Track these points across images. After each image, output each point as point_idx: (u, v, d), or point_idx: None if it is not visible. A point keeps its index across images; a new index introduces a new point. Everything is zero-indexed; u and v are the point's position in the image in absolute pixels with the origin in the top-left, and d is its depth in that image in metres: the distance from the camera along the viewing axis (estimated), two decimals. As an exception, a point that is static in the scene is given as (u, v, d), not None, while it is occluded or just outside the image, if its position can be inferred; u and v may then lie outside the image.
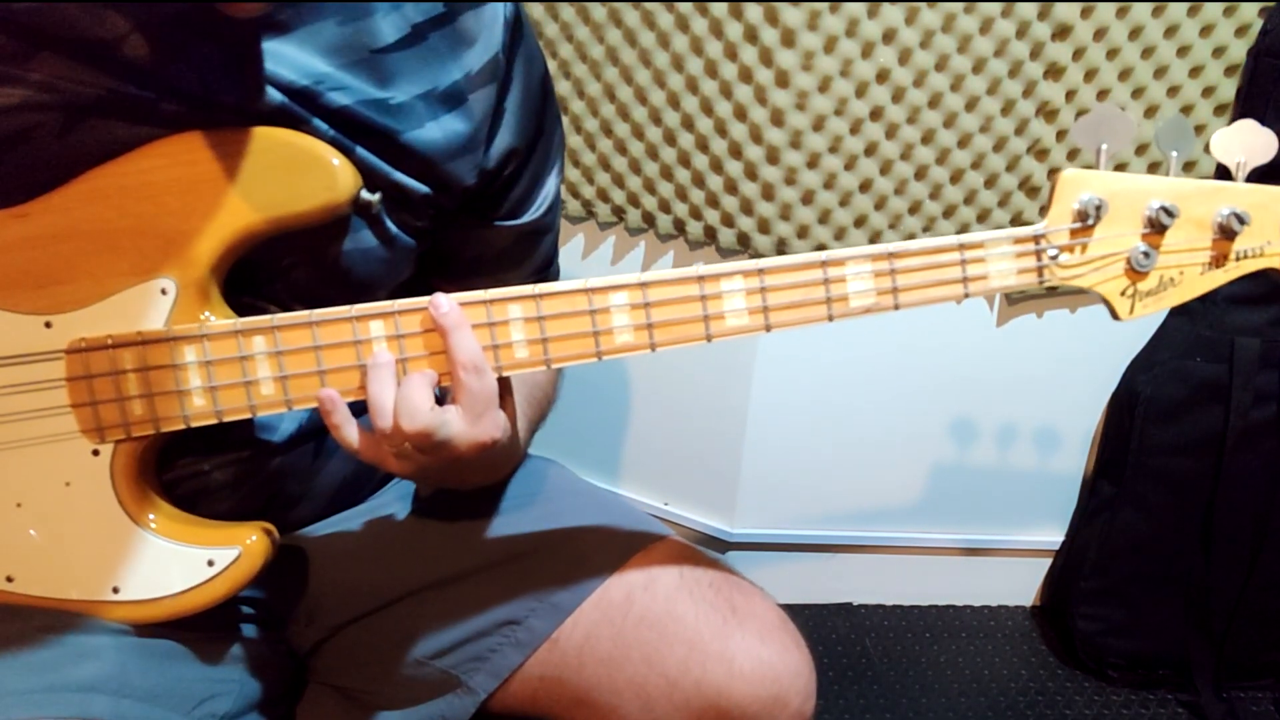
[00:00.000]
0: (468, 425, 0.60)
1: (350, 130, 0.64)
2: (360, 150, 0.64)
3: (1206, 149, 1.18)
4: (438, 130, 0.67)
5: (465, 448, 0.60)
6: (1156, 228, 0.61)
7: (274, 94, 0.61)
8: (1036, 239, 0.62)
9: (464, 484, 0.74)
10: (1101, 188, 0.61)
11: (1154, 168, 1.23)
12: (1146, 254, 0.62)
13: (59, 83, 0.57)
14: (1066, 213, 0.62)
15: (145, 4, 0.57)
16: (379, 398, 0.59)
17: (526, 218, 0.76)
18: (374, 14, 0.64)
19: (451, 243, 0.75)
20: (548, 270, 0.83)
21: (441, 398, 0.61)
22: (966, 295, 0.62)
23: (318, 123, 0.62)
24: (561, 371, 0.84)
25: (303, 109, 0.62)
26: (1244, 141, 0.61)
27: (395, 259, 0.70)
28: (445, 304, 0.60)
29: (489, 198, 0.73)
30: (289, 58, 0.61)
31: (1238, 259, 0.63)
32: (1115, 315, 0.64)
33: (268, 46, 0.60)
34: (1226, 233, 0.61)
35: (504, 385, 0.64)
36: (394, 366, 0.60)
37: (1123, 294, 0.63)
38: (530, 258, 0.79)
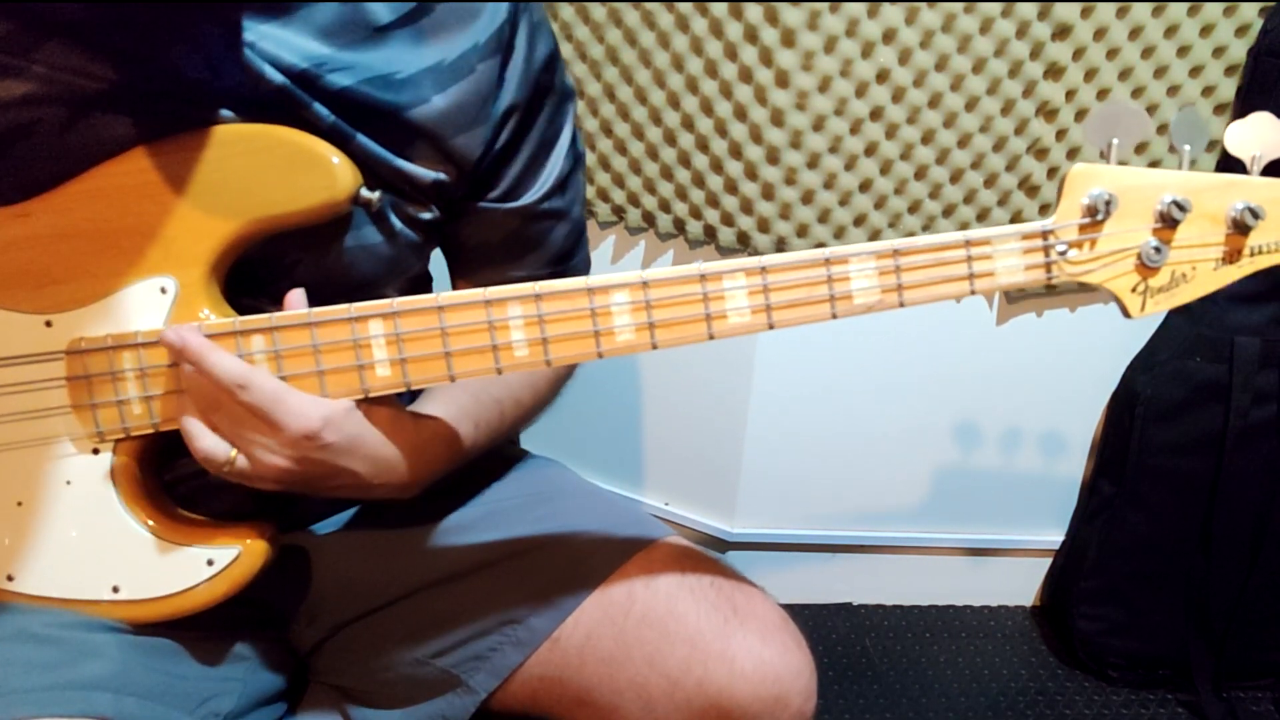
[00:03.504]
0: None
1: (351, 114, 0.63)
2: (360, 138, 0.64)
3: (1209, 148, 1.18)
4: (443, 102, 0.66)
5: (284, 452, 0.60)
6: (1168, 222, 0.60)
7: (275, 76, 0.61)
8: (1045, 235, 0.61)
9: (375, 494, 0.67)
10: (1111, 182, 0.60)
11: (1152, 166, 1.23)
12: (1158, 249, 0.60)
13: (63, 76, 0.57)
14: (1075, 208, 0.60)
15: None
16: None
17: (527, 199, 0.74)
18: None
19: (456, 232, 0.74)
20: (566, 265, 0.80)
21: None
22: (973, 292, 0.61)
23: (318, 107, 0.62)
24: (574, 369, 0.83)
25: (303, 92, 0.61)
26: (1259, 134, 0.59)
27: (399, 255, 0.70)
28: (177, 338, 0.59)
29: (487, 172, 0.71)
30: (288, 41, 0.61)
31: (1252, 254, 0.61)
32: (1126, 313, 0.62)
33: (266, 30, 0.60)
34: (1240, 227, 0.60)
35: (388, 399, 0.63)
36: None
37: (1133, 290, 0.61)
38: (539, 248, 0.77)
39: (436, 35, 0.66)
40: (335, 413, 0.60)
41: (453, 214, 0.72)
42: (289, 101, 0.61)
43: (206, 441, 0.60)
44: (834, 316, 0.61)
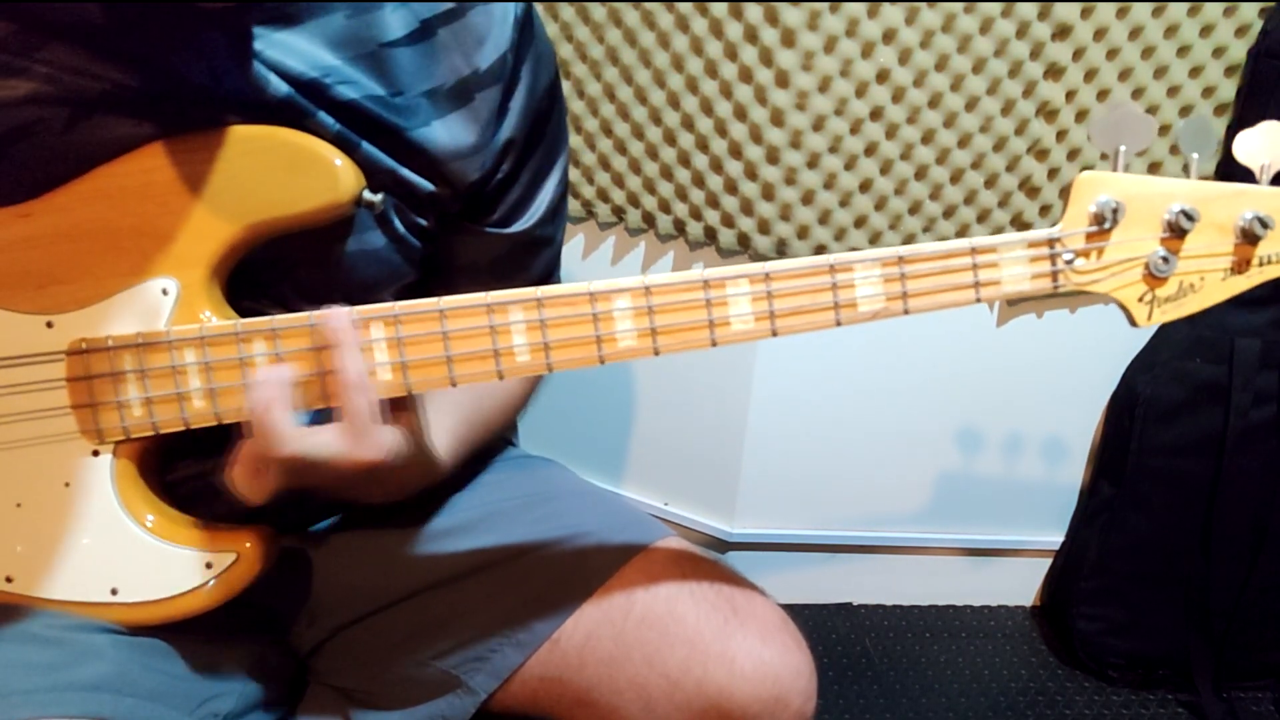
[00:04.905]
0: (349, 445, 0.58)
1: (356, 125, 0.63)
2: (366, 146, 0.64)
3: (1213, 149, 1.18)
4: (443, 129, 0.67)
5: (346, 468, 0.59)
6: (1176, 232, 0.59)
7: (280, 85, 0.61)
8: (1051, 242, 0.60)
9: (364, 500, 0.69)
10: (1119, 190, 0.59)
11: (1153, 168, 1.23)
12: (1165, 259, 0.59)
13: (66, 76, 0.57)
14: (1082, 215, 0.60)
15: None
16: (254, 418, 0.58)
17: (520, 226, 0.75)
18: (383, 8, 0.64)
19: (445, 250, 0.74)
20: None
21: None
22: (978, 300, 0.60)
23: (323, 116, 0.62)
24: (541, 378, 0.83)
25: (309, 101, 0.62)
26: (1269, 143, 0.59)
27: (400, 260, 0.70)
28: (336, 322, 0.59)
29: (485, 198, 0.72)
30: (297, 49, 0.61)
31: (1261, 264, 0.60)
32: (1133, 322, 0.61)
33: (276, 37, 0.60)
34: (1249, 237, 0.59)
35: (402, 403, 0.63)
36: (275, 386, 0.58)
37: (1140, 300, 0.61)
38: (525, 271, 0.78)
39: (439, 59, 0.66)
40: (395, 448, 0.61)
41: (445, 229, 0.72)
42: (293, 110, 0.61)
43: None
44: (838, 324, 0.60)
